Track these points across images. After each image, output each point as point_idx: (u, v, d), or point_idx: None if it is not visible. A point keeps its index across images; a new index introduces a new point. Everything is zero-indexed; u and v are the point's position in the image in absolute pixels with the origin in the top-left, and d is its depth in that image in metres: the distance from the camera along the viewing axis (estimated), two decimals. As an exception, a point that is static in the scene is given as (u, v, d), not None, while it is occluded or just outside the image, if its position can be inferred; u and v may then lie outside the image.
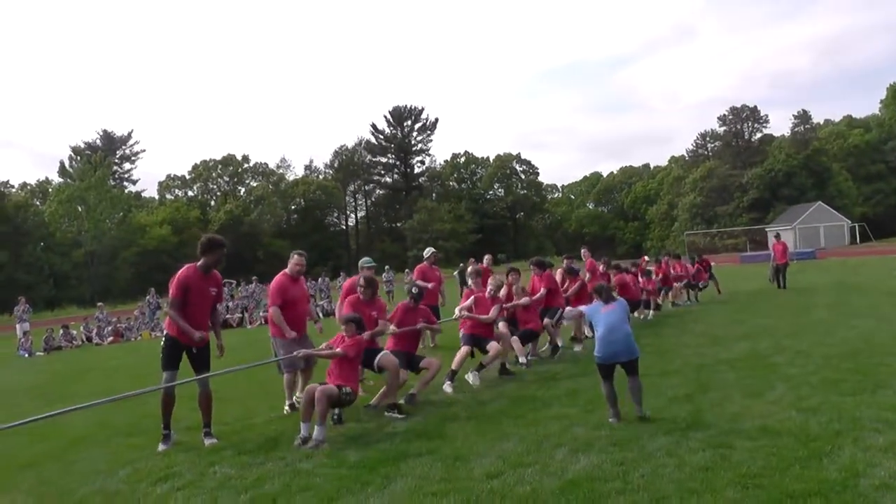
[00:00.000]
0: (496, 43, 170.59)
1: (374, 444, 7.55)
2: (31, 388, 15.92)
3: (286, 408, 9.77)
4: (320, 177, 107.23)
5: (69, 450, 8.77)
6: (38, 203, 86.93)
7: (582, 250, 18.06)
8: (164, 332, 8.54)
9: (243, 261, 76.02)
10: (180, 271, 8.37)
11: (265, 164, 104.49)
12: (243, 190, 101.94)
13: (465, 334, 11.11)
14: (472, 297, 11.46)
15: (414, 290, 10.65)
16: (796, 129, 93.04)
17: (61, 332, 28.16)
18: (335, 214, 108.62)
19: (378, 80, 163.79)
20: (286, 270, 9.89)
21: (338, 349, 8.47)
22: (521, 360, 11.80)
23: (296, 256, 9.96)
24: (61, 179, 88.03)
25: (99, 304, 34.39)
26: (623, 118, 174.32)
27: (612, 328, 7.79)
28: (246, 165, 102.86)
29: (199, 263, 8.41)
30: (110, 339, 27.96)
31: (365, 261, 11.66)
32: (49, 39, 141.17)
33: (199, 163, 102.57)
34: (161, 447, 8.23)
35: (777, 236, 26.50)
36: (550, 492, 5.71)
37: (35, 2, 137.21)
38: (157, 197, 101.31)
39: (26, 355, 25.60)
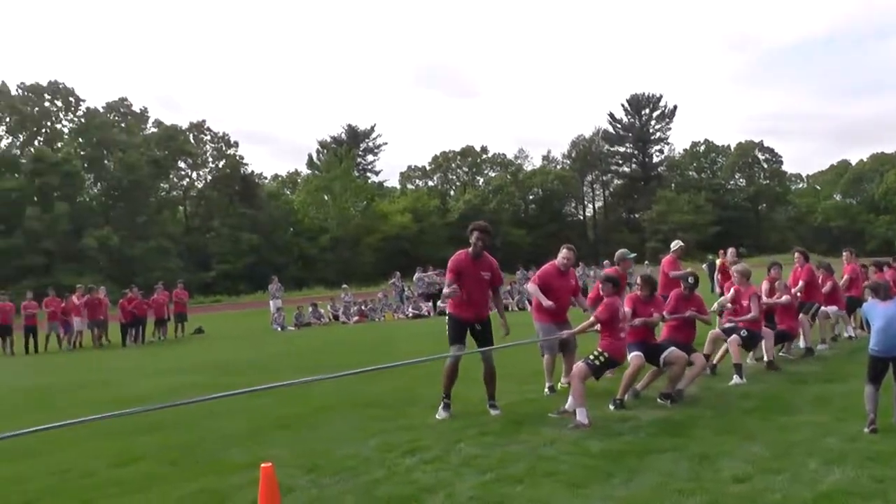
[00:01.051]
0: (737, 22, 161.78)
1: (617, 435, 7.40)
2: (283, 357, 17.15)
3: (546, 390, 9.91)
4: (558, 167, 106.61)
5: (317, 415, 9.31)
6: (287, 192, 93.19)
7: (844, 252, 16.82)
8: (447, 312, 9.01)
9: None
10: (453, 256, 8.84)
11: (503, 154, 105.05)
12: (482, 180, 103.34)
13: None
14: (733, 290, 11.01)
15: (690, 279, 10.38)
16: None
17: (310, 309, 29.96)
18: (573, 204, 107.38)
19: (615, 67, 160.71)
20: (555, 261, 10.06)
21: (591, 317, 8.60)
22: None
23: (564, 250, 10.05)
24: (309, 171, 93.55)
25: (344, 286, 36.12)
26: (875, 101, 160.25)
27: (892, 321, 7.26)
28: (484, 156, 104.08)
29: (469, 248, 8.78)
30: (356, 318, 29.37)
31: (624, 252, 11.46)
32: (299, 42, 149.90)
33: (438, 154, 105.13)
34: (441, 414, 8.62)
35: None
36: (802, 502, 5.35)
37: (286, 8, 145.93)
38: (398, 187, 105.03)
39: (279, 329, 27.52)
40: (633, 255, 11.51)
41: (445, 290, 8.82)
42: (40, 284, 42.90)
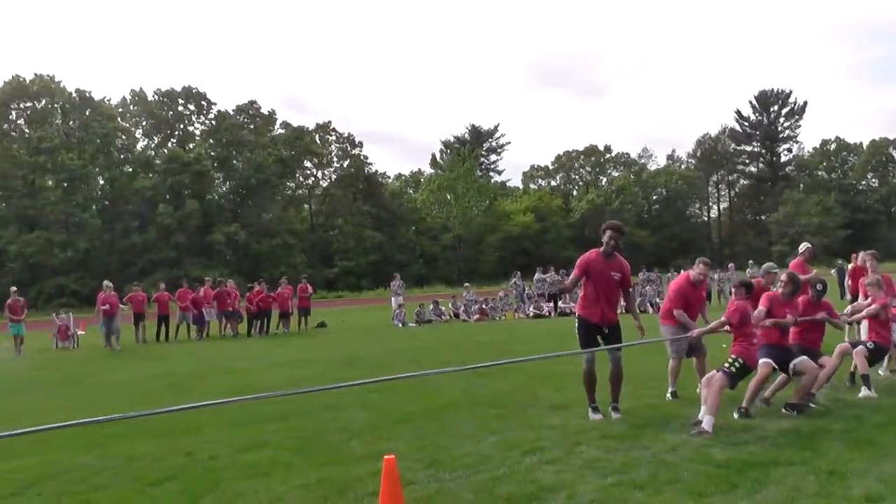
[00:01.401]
0: (870, 14, 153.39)
1: (742, 444, 7.15)
2: (403, 353, 17.40)
3: (668, 395, 9.77)
4: (682, 166, 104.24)
5: (437, 411, 9.36)
6: (410, 191, 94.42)
7: None
8: (576, 313, 9.00)
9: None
10: (585, 254, 8.82)
11: (627, 153, 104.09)
12: (605, 180, 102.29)
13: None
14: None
15: (819, 285, 10.03)
16: None
17: (431, 307, 30.26)
18: (697, 205, 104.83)
19: (743, 63, 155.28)
20: (689, 273, 10.08)
21: (722, 317, 8.43)
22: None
23: (701, 265, 10.01)
24: (432, 170, 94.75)
25: (466, 284, 36.42)
26: None
27: None
28: (608, 155, 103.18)
29: (601, 248, 8.70)
30: (476, 316, 29.45)
31: (770, 266, 11.26)
32: (424, 43, 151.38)
33: (562, 153, 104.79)
34: (593, 417, 8.54)
35: None
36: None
37: (410, 10, 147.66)
38: (520, 186, 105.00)
39: (399, 325, 27.88)
40: (777, 269, 11.14)
41: (565, 283, 8.84)
42: (171, 276, 44.86)
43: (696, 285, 9.96)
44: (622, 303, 9.74)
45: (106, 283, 24.13)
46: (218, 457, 7.57)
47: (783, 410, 8.51)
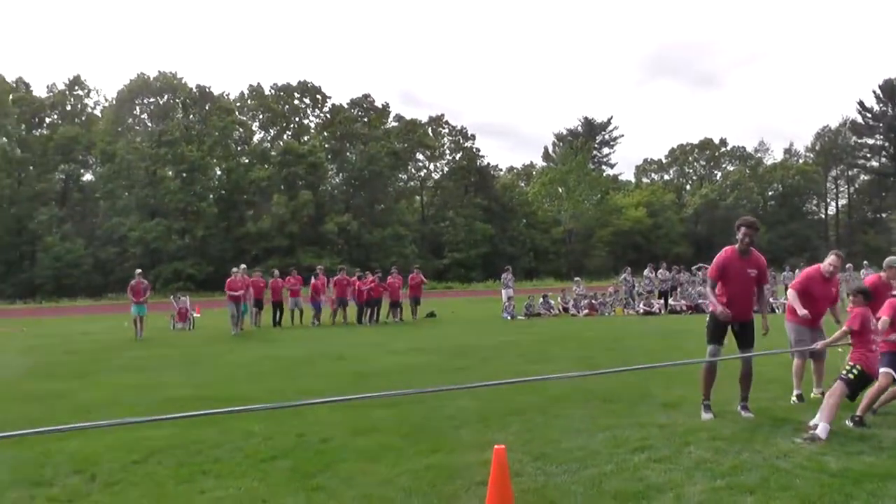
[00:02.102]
0: None
1: (857, 454, 6.75)
2: (511, 346, 17.39)
3: (793, 398, 9.40)
4: (800, 160, 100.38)
5: (547, 405, 9.26)
6: (522, 184, 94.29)
7: None
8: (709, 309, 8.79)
9: (715, 247, 74.91)
10: (721, 252, 8.64)
11: (742, 147, 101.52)
12: (719, 174, 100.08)
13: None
14: None
15: None
16: None
17: (541, 300, 30.11)
18: (814, 202, 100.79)
19: (867, 50, 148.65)
20: (820, 266, 9.60)
21: (844, 326, 8.06)
22: None
23: (832, 256, 9.50)
24: (544, 163, 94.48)
25: (576, 278, 36.13)
26: None
27: None
28: (723, 149, 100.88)
29: (737, 245, 8.52)
30: (585, 311, 29.20)
31: (893, 259, 10.60)
32: (536, 36, 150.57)
33: (675, 147, 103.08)
34: (704, 416, 8.37)
35: None
36: None
37: (521, 3, 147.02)
38: (633, 180, 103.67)
39: (509, 318, 27.86)
40: None
41: (708, 291, 8.74)
42: (284, 265, 46.03)
43: (827, 278, 9.47)
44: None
45: (242, 266, 24.91)
46: (329, 439, 7.69)
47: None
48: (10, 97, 70.30)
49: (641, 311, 28.89)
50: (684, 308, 28.75)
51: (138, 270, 24.98)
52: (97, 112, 77.07)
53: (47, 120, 74.73)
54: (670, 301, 29.58)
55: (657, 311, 28.89)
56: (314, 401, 6.59)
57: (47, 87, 77.43)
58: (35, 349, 20.11)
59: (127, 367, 15.10)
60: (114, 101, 74.71)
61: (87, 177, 74.82)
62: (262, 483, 6.23)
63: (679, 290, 30.66)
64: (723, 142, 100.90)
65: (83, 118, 75.80)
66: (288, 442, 7.64)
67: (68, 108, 76.05)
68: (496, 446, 5.14)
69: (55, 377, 13.73)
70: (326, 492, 5.96)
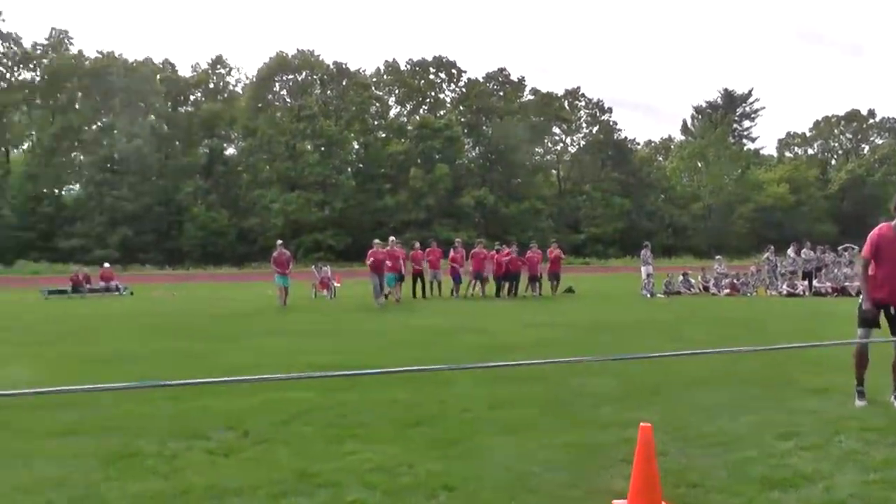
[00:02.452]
0: None
1: None
2: (649, 324, 17.15)
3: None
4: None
5: (688, 385, 9.07)
6: (660, 159, 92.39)
7: None
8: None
9: (863, 227, 71.29)
10: (875, 229, 7.92)
11: (893, 119, 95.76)
12: (867, 148, 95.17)
13: None
14: None
15: None
16: None
17: (680, 278, 29.58)
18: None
19: None
20: (893, 223, 7.90)
21: None
22: None
23: None
24: (683, 137, 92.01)
25: (717, 256, 35.29)
26: None
27: None
28: (871, 121, 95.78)
29: (893, 222, 7.82)
30: (726, 291, 28.48)
31: None
32: (677, 6, 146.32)
33: (820, 119, 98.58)
34: (857, 403, 7.96)
35: None
36: None
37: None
38: (775, 155, 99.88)
39: (648, 296, 27.49)
40: None
41: (860, 273, 8.07)
42: (421, 237, 46.64)
43: None
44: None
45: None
46: (469, 410, 7.79)
47: None
48: (158, 77, 74.12)
49: (785, 292, 27.87)
50: (829, 290, 27.54)
51: (279, 241, 25.79)
52: (238, 89, 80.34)
53: (192, 98, 78.57)
54: (815, 283, 28.39)
55: (801, 292, 27.80)
56: (455, 366, 6.65)
57: (191, 66, 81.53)
58: (185, 312, 21.19)
59: (270, 332, 15.79)
60: (254, 79, 77.35)
61: (230, 151, 78.20)
62: (405, 448, 6.36)
63: (824, 271, 29.38)
64: (871, 113, 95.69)
65: (225, 95, 79.34)
66: (430, 410, 7.79)
67: (211, 86, 79.75)
68: (642, 424, 5.07)
69: (205, 338, 14.60)
70: (467, 461, 6.03)
